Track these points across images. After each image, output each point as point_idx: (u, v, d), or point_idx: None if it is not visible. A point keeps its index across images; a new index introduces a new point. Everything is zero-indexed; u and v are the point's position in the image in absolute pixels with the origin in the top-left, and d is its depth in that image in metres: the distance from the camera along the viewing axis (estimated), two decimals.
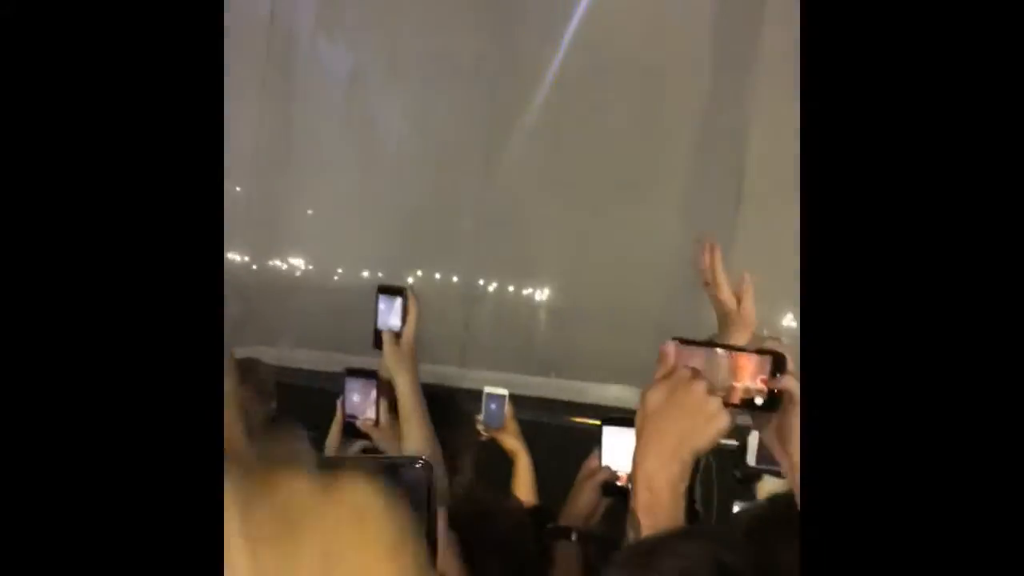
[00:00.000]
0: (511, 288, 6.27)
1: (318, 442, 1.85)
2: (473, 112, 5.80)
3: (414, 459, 0.98)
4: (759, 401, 1.03)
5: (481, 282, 6.20)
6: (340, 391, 1.79)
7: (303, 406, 1.80)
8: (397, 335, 1.67)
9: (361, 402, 1.76)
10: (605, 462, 1.64)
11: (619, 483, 1.60)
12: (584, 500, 1.65)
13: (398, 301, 1.68)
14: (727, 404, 1.04)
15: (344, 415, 1.78)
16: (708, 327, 1.53)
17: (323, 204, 6.30)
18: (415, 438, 1.61)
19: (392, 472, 0.96)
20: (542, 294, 6.28)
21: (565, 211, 5.69)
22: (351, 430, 1.76)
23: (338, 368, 1.83)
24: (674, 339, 1.04)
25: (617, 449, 1.63)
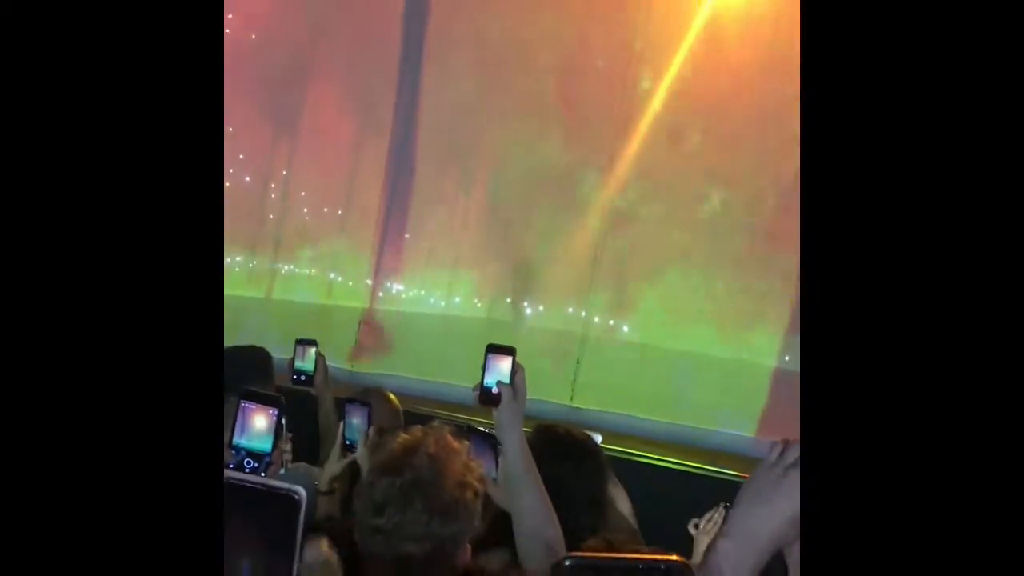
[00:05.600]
0: None
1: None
2: None
3: (290, 488, 1.00)
4: None
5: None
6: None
7: None
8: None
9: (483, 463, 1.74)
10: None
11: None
12: None
13: (508, 360, 1.69)
14: None
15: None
16: None
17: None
18: (530, 496, 1.62)
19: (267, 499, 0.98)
20: None
21: None
22: None
23: None
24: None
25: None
